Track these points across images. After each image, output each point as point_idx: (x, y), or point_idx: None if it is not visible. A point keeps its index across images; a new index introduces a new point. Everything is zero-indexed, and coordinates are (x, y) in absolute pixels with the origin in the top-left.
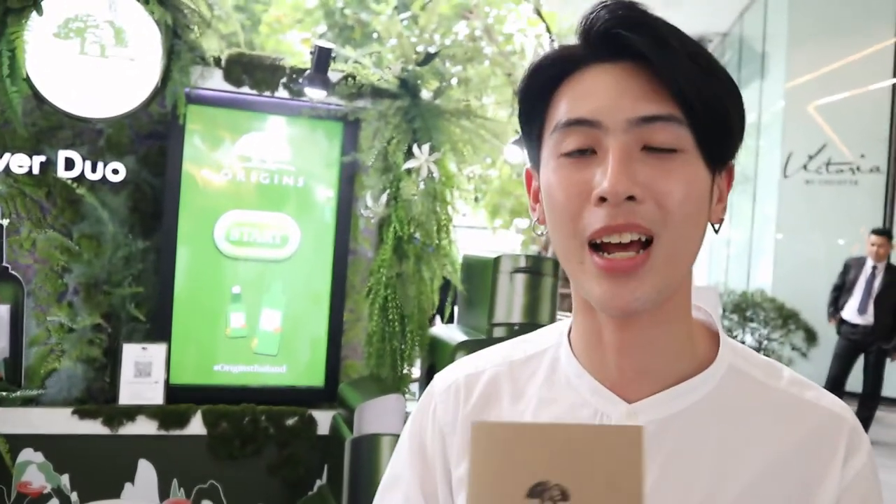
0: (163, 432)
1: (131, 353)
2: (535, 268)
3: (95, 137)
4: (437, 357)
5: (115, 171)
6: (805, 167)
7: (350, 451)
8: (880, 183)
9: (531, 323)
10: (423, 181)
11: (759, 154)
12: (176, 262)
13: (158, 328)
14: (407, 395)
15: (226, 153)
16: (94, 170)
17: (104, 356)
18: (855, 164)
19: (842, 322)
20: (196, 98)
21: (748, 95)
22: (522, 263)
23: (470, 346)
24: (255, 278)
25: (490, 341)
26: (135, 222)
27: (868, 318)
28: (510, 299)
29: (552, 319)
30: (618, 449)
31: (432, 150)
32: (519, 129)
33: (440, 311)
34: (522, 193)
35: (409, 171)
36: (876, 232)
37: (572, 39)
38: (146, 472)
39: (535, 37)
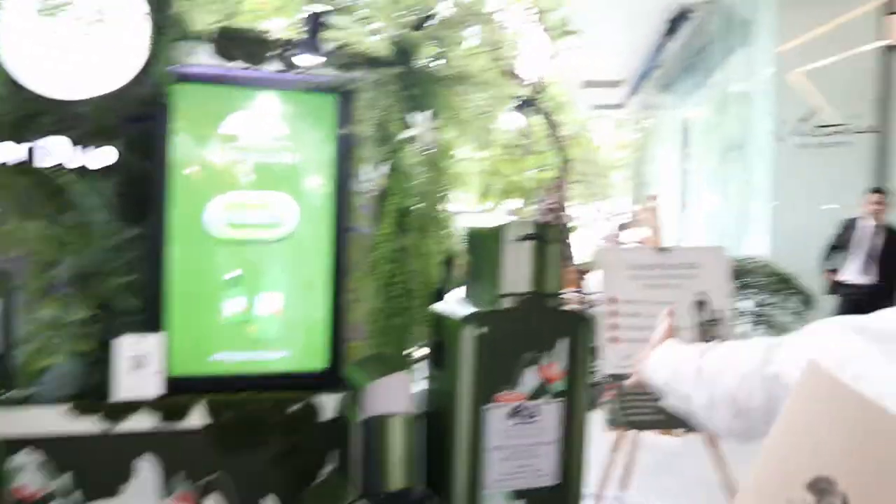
0: (164, 425)
1: (126, 344)
2: (541, 234)
3: (80, 122)
4: (443, 332)
5: (102, 157)
6: (797, 132)
7: (360, 434)
8: (872, 143)
9: (539, 292)
10: (422, 150)
11: (749, 121)
12: (167, 248)
13: (153, 318)
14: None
15: (216, 132)
16: (79, 156)
17: (99, 350)
18: (847, 125)
19: (840, 284)
20: (184, 76)
21: (735, 63)
22: (528, 231)
23: (478, 319)
24: (251, 261)
25: (498, 313)
26: (125, 209)
27: (870, 278)
28: (516, 269)
29: (559, 287)
30: None
31: (431, 116)
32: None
33: (444, 287)
34: (512, 173)
35: (407, 140)
36: (875, 190)
37: (556, 14)
38: (150, 466)
39: (518, 13)
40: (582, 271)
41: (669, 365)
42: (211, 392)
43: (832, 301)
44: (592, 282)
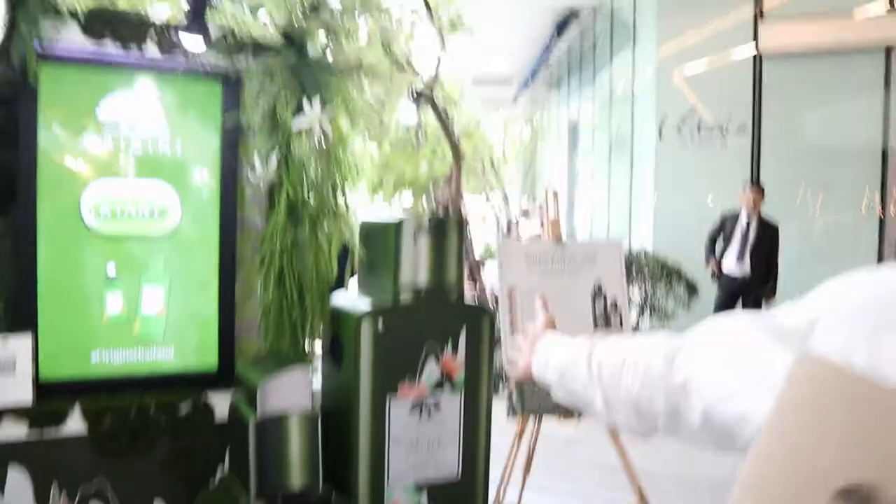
0: (35, 435)
1: None
2: (440, 228)
3: None
4: (340, 328)
5: None
6: (678, 130)
7: (255, 435)
8: (747, 142)
9: (438, 286)
10: (316, 140)
11: (633, 120)
12: (38, 243)
13: (21, 318)
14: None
15: (88, 118)
16: None
17: None
18: (723, 125)
19: (721, 274)
20: (50, 56)
21: (620, 64)
22: (425, 225)
23: (376, 315)
24: (132, 256)
25: (397, 308)
26: None
27: (745, 268)
28: (415, 262)
29: (459, 280)
30: None
31: (323, 105)
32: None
33: (340, 281)
34: (405, 167)
35: (299, 131)
36: (750, 185)
37: (450, 10)
38: (18, 480)
39: (411, 12)
40: (476, 263)
41: (557, 360)
42: (90, 395)
43: (713, 290)
44: (489, 274)
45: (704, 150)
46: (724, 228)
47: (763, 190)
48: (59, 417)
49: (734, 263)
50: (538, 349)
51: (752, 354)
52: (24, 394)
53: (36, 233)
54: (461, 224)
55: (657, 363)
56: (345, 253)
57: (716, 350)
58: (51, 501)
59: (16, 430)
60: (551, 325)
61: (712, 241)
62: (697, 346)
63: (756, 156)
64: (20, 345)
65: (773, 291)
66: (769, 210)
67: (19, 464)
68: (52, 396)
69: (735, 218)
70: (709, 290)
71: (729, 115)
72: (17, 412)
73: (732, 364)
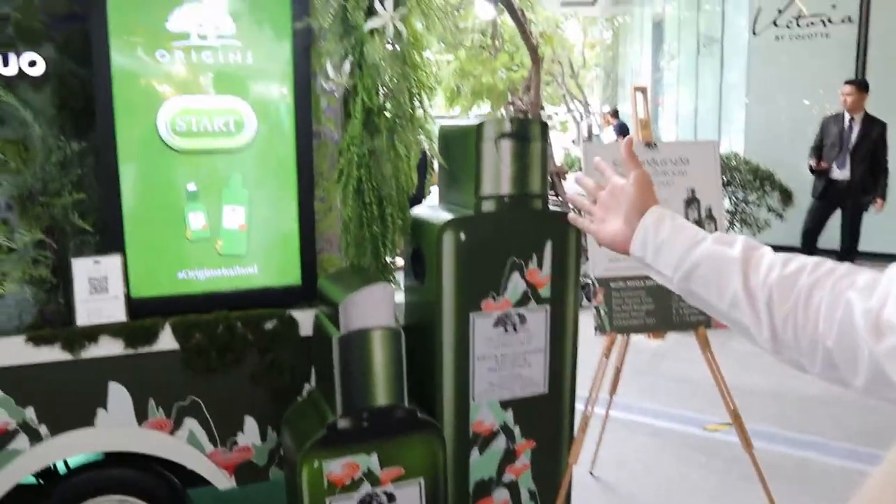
0: (130, 351)
1: (83, 267)
2: (522, 132)
3: (2, 26)
4: (422, 240)
5: (33, 64)
6: (775, 23)
7: (339, 350)
8: (852, 34)
9: (522, 193)
10: (389, 42)
11: (724, 15)
12: (119, 162)
13: (110, 238)
14: (392, 284)
15: (159, 31)
16: (5, 63)
17: (53, 276)
18: (825, 15)
19: (819, 177)
20: None
21: None
22: (507, 128)
23: (458, 225)
24: (211, 173)
25: (480, 217)
26: (65, 121)
27: (846, 173)
28: (497, 169)
29: (543, 187)
30: None
31: (397, 4)
32: None
33: (420, 196)
34: (482, 73)
35: (372, 32)
36: (847, 82)
37: None
38: (118, 395)
39: None
40: (560, 172)
41: (680, 250)
42: (180, 312)
43: (807, 199)
44: (572, 184)
45: (803, 45)
46: (827, 131)
47: (865, 86)
48: (152, 334)
49: (834, 169)
50: (644, 225)
51: None
52: (117, 311)
53: (117, 151)
54: (545, 127)
55: (854, 317)
56: (423, 166)
57: None
58: (149, 416)
59: (113, 347)
60: (646, 183)
61: (818, 149)
62: None
63: (862, 50)
64: (111, 265)
65: (884, 197)
66: (878, 111)
67: (118, 380)
68: (143, 314)
69: (839, 120)
70: (805, 199)
71: (833, 2)
72: (113, 329)
73: None
